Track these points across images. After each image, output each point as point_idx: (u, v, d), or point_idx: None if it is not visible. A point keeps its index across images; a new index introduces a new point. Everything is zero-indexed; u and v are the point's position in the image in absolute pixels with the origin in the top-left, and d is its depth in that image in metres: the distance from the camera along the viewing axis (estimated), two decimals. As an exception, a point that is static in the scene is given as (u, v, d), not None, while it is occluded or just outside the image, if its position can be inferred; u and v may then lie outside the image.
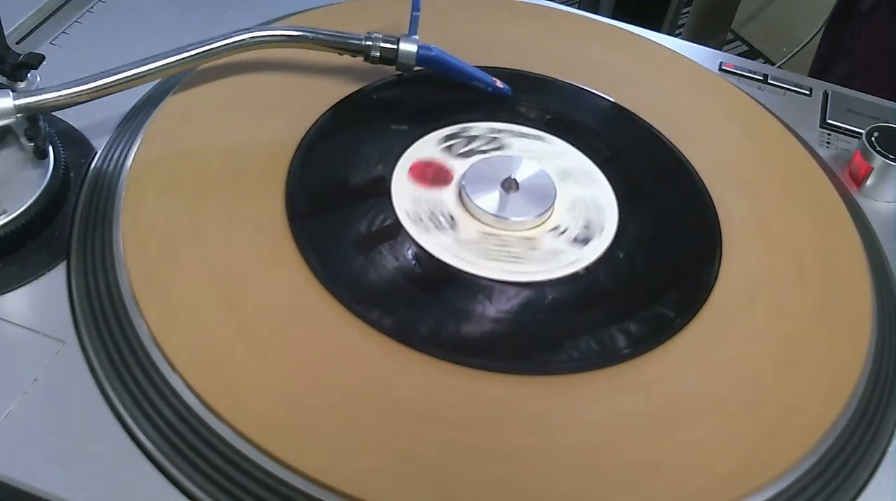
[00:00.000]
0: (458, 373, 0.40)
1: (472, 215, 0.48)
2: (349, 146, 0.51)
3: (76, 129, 0.50)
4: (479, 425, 0.39)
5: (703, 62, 0.62)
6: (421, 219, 0.47)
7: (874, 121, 0.58)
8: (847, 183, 0.56)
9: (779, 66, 0.98)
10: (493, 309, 0.43)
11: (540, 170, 0.50)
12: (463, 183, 0.49)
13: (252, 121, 0.51)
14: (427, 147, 0.51)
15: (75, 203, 0.46)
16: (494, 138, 0.53)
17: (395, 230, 0.46)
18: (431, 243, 0.46)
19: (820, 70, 0.97)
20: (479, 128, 0.53)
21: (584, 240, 0.48)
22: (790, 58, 1.27)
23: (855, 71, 0.89)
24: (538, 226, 0.48)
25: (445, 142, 0.52)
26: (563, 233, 0.48)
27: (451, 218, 0.47)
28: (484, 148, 0.52)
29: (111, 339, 0.40)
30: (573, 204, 0.50)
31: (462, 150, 0.51)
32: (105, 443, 0.37)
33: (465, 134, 0.53)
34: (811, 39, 1.22)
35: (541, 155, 0.52)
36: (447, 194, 0.49)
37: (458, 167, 0.50)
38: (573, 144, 0.53)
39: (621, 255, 0.47)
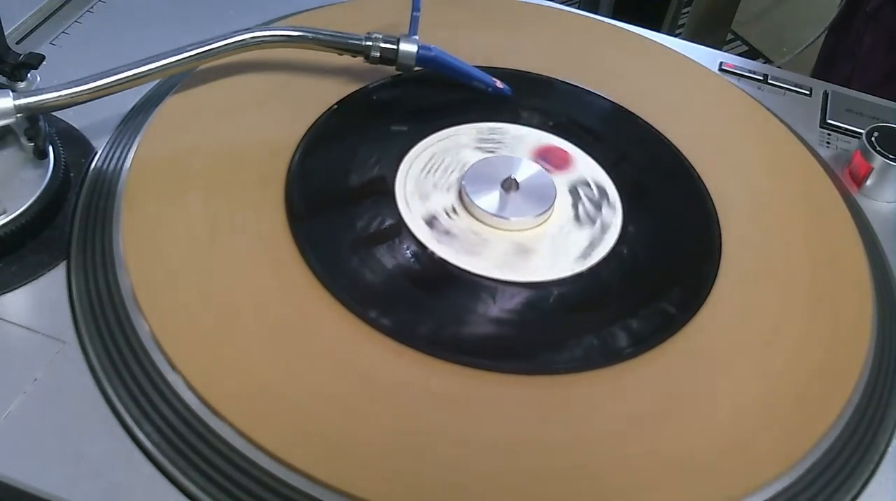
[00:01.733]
0: (460, 373, 0.40)
1: (472, 215, 0.48)
2: (349, 146, 0.51)
3: (76, 129, 0.50)
4: (482, 425, 0.39)
5: (703, 62, 0.62)
6: None
7: (874, 121, 0.58)
8: (847, 183, 0.55)
9: (779, 67, 0.98)
10: (497, 308, 0.43)
11: (540, 170, 0.50)
12: (463, 183, 0.49)
13: (252, 121, 0.51)
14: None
15: (75, 203, 0.46)
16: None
17: (398, 229, 0.46)
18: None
19: (822, 72, 0.97)
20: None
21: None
22: (792, 59, 1.26)
23: (856, 72, 0.89)
24: (538, 225, 0.48)
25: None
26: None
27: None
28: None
29: (111, 339, 0.40)
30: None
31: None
32: (105, 443, 0.37)
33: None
34: (814, 41, 1.22)
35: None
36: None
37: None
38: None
39: (624, 250, 0.47)
